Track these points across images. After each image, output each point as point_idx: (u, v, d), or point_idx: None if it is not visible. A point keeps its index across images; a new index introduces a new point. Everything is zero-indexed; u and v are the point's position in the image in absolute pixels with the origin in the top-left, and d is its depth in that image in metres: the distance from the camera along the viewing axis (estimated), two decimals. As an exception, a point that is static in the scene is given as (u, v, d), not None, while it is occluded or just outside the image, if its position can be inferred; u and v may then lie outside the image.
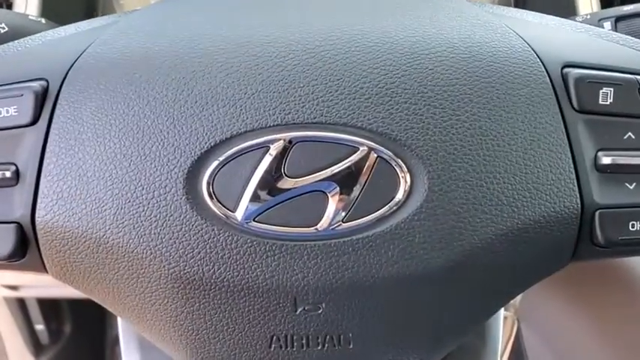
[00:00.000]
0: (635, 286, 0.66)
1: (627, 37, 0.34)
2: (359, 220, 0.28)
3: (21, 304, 0.94)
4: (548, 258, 0.30)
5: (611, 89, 0.30)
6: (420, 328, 0.30)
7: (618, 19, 0.43)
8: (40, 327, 0.98)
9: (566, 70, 0.30)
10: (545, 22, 0.34)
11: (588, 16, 0.45)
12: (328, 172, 0.28)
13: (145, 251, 0.28)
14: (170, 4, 0.35)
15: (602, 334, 0.71)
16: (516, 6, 0.71)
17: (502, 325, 0.49)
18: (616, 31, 0.43)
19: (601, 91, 0.29)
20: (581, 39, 0.33)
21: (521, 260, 0.30)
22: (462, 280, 0.29)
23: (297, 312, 0.29)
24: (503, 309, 0.56)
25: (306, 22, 0.31)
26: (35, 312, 0.97)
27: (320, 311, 0.29)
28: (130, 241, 0.28)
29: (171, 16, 0.33)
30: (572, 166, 0.29)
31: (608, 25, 0.43)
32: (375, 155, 0.28)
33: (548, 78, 0.30)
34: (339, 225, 0.28)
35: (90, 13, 0.74)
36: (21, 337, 0.95)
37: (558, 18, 0.36)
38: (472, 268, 0.29)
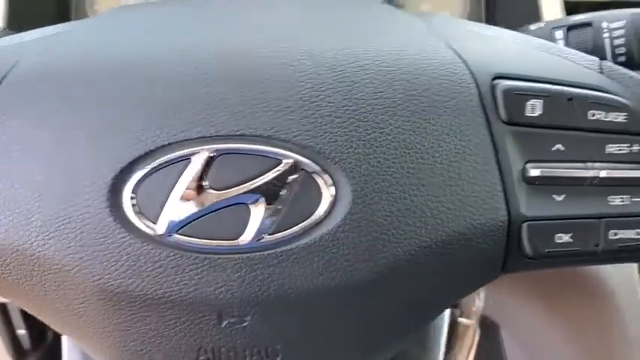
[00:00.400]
0: (606, 291, 0.66)
1: (564, 48, 0.34)
2: (283, 233, 0.28)
3: (2, 308, 0.94)
4: (476, 269, 0.30)
5: (540, 101, 0.30)
6: (348, 339, 0.30)
7: (569, 28, 0.43)
8: (21, 332, 0.98)
9: (495, 81, 0.30)
10: (484, 33, 0.34)
11: (542, 25, 0.45)
12: (252, 184, 0.27)
13: (70, 263, 0.28)
14: (118, 15, 0.35)
15: (573, 338, 0.71)
16: (487, 15, 0.71)
17: (445, 332, 0.49)
18: (567, 39, 0.43)
19: (528, 102, 0.29)
20: (516, 50, 0.33)
21: (448, 272, 0.29)
22: (387, 291, 0.29)
23: (223, 325, 0.29)
24: (460, 317, 0.55)
25: (235, 35, 0.31)
26: (17, 317, 0.97)
27: (245, 324, 0.29)
28: (56, 252, 0.28)
29: (111, 28, 0.33)
30: (498, 178, 0.29)
31: (560, 33, 0.43)
32: (299, 168, 0.28)
33: (477, 90, 0.30)
34: (262, 237, 0.28)
35: (62, 18, 0.74)
36: (2, 342, 0.95)
37: (502, 29, 0.36)
38: (397, 280, 0.29)
